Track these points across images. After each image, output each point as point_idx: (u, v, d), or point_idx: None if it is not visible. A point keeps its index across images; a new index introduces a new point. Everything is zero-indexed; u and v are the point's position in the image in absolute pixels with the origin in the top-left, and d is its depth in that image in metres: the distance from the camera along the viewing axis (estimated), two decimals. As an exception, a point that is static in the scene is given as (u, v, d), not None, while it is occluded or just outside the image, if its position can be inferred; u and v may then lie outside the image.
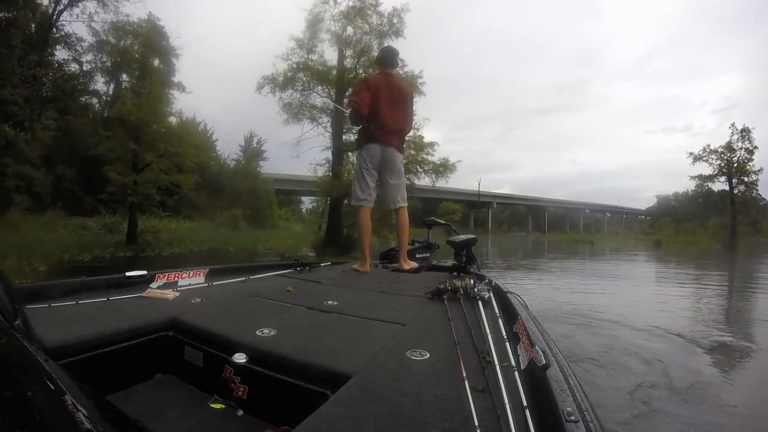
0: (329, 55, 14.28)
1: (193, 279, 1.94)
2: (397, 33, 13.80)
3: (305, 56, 14.06)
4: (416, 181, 13.87)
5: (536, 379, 0.83)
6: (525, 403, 0.78)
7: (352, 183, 3.02)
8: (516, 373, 0.91)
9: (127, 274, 1.73)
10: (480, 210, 62.01)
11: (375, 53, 13.29)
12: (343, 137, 13.97)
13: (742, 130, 32.18)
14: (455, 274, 2.46)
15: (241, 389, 1.08)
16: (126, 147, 12.07)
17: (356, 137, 3.11)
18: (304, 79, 14.06)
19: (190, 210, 22.48)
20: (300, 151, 14.51)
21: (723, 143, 32.88)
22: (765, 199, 33.72)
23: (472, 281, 1.76)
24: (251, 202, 26.58)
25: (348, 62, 14.06)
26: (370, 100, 2.76)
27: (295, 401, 0.97)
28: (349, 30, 13.84)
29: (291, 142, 14.56)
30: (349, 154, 13.58)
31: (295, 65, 13.98)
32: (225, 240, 16.98)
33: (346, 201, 13.97)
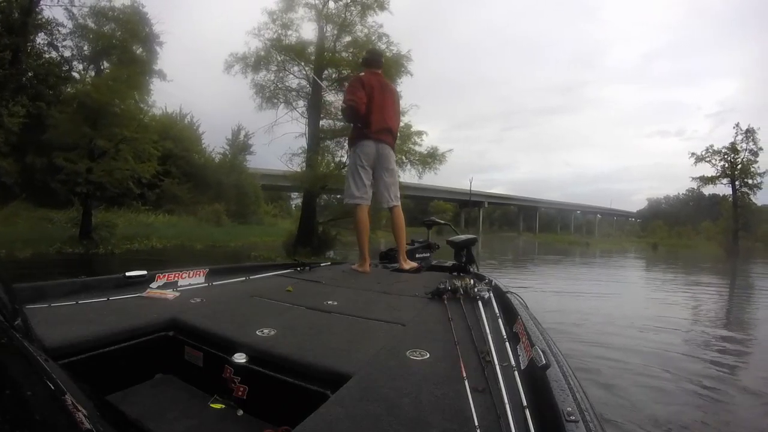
0: (307, 33, 12.85)
1: (193, 279, 1.94)
2: (382, 6, 12.30)
3: (278, 31, 12.41)
4: (402, 175, 12.68)
5: (536, 379, 0.83)
6: (525, 403, 0.78)
7: (346, 181, 2.96)
8: (516, 373, 0.91)
9: (127, 274, 1.73)
10: (471, 209, 61.91)
11: (358, 29, 12.37)
12: (321, 122, 12.55)
13: (747, 131, 30.51)
14: (455, 274, 2.46)
15: (241, 389, 1.07)
16: (80, 132, 10.88)
17: (349, 135, 3.10)
18: (279, 58, 12.54)
19: (172, 204, 21.88)
20: (273, 136, 13.13)
21: (725, 144, 31.25)
22: (755, 203, 32.40)
23: (472, 281, 1.76)
24: (237, 197, 25.99)
25: (328, 39, 12.57)
26: (366, 98, 2.75)
27: (295, 401, 0.96)
28: (331, 5, 12.49)
29: (264, 128, 13.13)
30: (328, 142, 12.67)
31: (268, 42, 12.39)
32: (196, 236, 15.93)
33: (325, 197, 13.14)
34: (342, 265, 2.96)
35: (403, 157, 12.33)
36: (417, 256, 3.34)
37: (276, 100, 12.78)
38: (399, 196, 2.98)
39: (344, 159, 12.27)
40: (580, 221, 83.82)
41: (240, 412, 1.06)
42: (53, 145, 11.51)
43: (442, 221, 4.18)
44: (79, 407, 0.41)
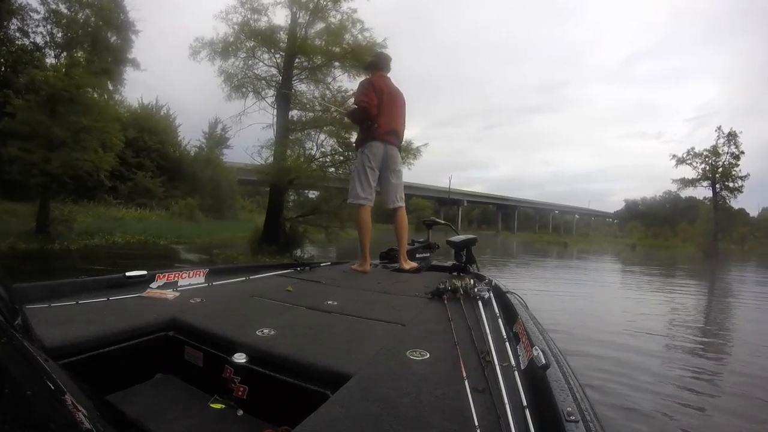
0: (279, 18, 12.10)
1: (193, 279, 1.95)
2: (357, -11, 11.23)
3: (247, 15, 11.53)
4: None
5: (536, 379, 0.83)
6: (525, 403, 0.78)
7: (351, 181, 2.99)
8: (516, 373, 0.91)
9: (127, 274, 1.74)
10: (450, 207, 62.62)
11: (332, 15, 11.75)
12: (290, 114, 11.75)
13: (729, 134, 30.25)
14: (455, 274, 2.47)
15: (241, 389, 1.07)
16: (38, 120, 10.28)
17: (357, 137, 3.15)
18: (248, 45, 11.68)
19: (145, 198, 21.46)
20: (241, 127, 12.17)
21: (705, 147, 31.01)
22: (733, 207, 32.70)
23: (472, 281, 1.78)
24: (212, 191, 25.58)
25: (300, 26, 11.78)
26: (377, 101, 2.79)
27: (295, 401, 0.96)
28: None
29: (231, 118, 12.17)
30: (298, 134, 12.01)
31: (236, 26, 11.47)
32: (163, 231, 15.21)
33: (291, 192, 12.52)
34: (342, 265, 2.98)
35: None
36: (417, 256, 3.36)
37: (245, 90, 12.01)
38: (404, 197, 3.02)
39: (314, 152, 12.00)
40: (558, 221, 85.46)
41: (240, 412, 1.06)
42: (12, 134, 10.80)
43: (443, 221, 4.21)
44: (79, 407, 0.41)
